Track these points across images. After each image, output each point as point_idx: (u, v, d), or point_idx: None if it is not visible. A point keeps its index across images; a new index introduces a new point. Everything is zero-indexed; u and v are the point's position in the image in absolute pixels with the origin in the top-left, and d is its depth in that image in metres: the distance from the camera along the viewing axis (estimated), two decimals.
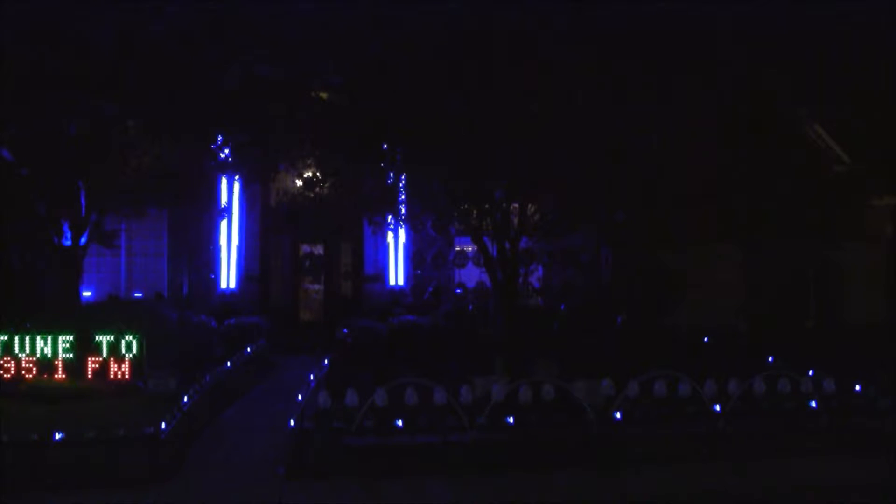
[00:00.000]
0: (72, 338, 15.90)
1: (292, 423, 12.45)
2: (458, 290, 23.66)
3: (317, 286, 25.35)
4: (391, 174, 18.38)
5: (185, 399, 13.25)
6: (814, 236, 22.88)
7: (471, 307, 21.67)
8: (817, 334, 21.83)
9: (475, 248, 18.83)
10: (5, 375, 15.75)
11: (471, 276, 23.85)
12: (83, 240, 17.89)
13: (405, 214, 18.41)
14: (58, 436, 11.79)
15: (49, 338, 15.88)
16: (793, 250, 22.83)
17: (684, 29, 16.39)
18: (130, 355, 15.86)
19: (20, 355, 15.82)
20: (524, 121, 15.74)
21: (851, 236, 23.34)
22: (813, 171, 23.21)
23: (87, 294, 21.51)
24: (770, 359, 16.33)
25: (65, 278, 18.15)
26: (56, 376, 15.81)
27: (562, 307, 21.26)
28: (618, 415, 13.21)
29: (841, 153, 23.94)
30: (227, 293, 23.21)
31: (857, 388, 14.33)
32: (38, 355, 15.84)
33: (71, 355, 15.84)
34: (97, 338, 15.89)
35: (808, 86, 21.67)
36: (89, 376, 15.80)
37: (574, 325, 19.76)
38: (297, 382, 14.80)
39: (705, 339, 19.43)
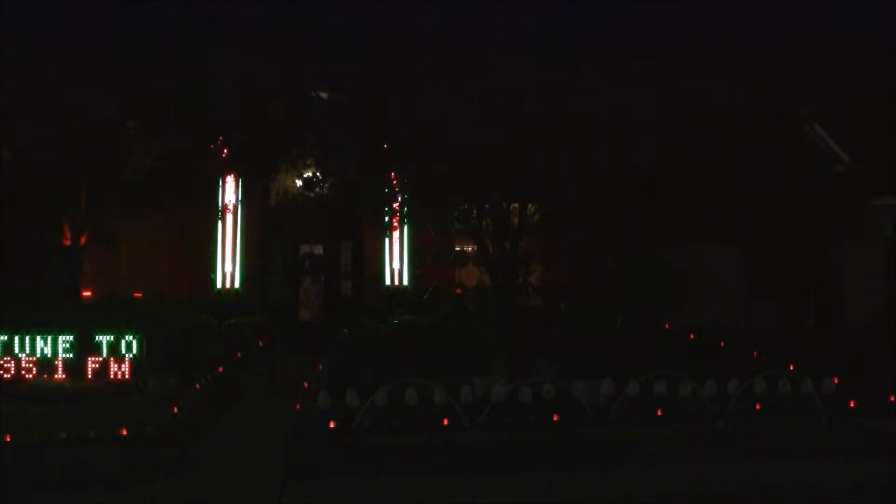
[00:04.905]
0: (72, 338, 15.91)
1: (292, 422, 12.44)
2: (458, 290, 23.62)
3: (317, 286, 25.32)
4: (391, 174, 18.39)
5: (186, 399, 13.23)
6: (814, 236, 22.86)
7: (471, 307, 21.62)
8: (817, 334, 21.82)
9: (475, 248, 18.81)
10: (5, 375, 15.77)
11: (471, 276, 23.82)
12: (83, 240, 17.88)
13: (405, 214, 18.40)
14: (58, 436, 11.79)
15: (49, 338, 15.89)
16: (793, 250, 22.82)
17: (684, 28, 16.41)
18: (130, 355, 15.88)
19: (20, 355, 15.84)
20: (523, 121, 15.75)
21: (851, 236, 23.33)
22: (813, 170, 23.20)
23: (87, 293, 21.48)
24: (771, 359, 16.30)
25: (65, 278, 18.16)
26: (56, 376, 15.82)
27: (562, 307, 21.21)
28: (618, 415, 13.21)
29: (841, 153, 23.94)
30: (227, 293, 23.17)
31: (857, 388, 14.32)
32: (38, 355, 15.85)
33: (71, 355, 15.85)
34: (97, 338, 15.91)
35: (808, 86, 21.65)
36: (89, 376, 15.82)
37: (574, 325, 19.72)
38: (297, 382, 14.79)
39: (705, 338, 19.41)
